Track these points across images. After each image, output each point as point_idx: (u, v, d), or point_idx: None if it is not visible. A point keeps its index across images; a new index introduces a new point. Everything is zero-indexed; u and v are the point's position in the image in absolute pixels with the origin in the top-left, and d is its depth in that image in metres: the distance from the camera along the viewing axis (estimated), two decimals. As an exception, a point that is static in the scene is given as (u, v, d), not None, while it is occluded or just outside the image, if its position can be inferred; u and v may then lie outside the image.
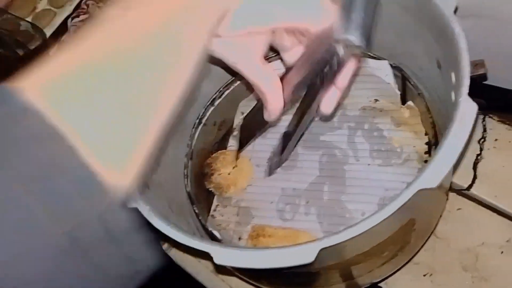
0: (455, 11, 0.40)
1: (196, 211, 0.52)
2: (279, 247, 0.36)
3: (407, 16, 0.47)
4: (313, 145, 0.60)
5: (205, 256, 0.37)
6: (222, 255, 0.37)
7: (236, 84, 0.62)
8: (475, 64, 0.40)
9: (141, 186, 0.45)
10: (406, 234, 0.43)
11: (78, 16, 0.75)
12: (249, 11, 0.26)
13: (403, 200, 0.34)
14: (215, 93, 0.61)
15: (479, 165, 0.60)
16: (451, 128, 0.35)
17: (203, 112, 0.60)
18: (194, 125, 0.59)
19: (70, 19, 0.75)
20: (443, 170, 0.34)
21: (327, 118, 0.58)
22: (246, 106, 0.65)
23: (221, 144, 0.64)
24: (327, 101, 0.36)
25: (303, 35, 0.30)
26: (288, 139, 0.48)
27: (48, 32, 0.87)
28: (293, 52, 0.31)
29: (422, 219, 0.44)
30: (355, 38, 0.28)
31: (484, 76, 0.40)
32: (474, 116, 0.36)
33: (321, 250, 0.34)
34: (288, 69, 0.32)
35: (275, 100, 0.31)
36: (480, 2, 0.53)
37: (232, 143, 0.63)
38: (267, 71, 0.30)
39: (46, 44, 0.82)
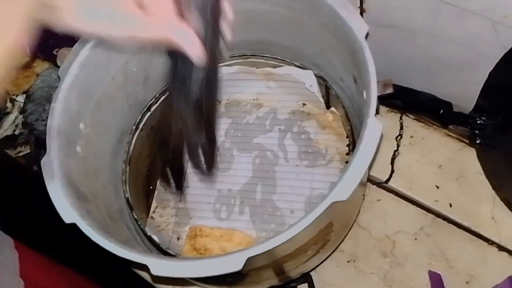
0: (366, 36, 0.45)
1: (135, 216, 0.55)
2: (209, 257, 0.40)
3: (328, 34, 0.50)
4: (247, 147, 0.64)
5: (143, 267, 0.40)
6: (159, 267, 0.40)
7: (171, 89, 0.64)
8: (384, 84, 0.45)
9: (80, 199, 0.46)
10: (326, 235, 0.48)
11: None
12: None
13: (318, 212, 0.38)
14: (151, 100, 0.62)
15: (396, 160, 0.66)
16: (359, 146, 0.40)
17: (140, 118, 0.62)
18: (131, 131, 0.61)
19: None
20: (352, 185, 0.39)
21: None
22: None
23: (160, 148, 0.66)
24: (226, 31, 0.38)
25: None
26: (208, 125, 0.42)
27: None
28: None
29: (339, 221, 0.50)
30: None
31: (392, 95, 0.45)
32: (379, 135, 0.40)
33: (248, 258, 0.39)
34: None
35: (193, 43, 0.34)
36: (394, 14, 0.57)
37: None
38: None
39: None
